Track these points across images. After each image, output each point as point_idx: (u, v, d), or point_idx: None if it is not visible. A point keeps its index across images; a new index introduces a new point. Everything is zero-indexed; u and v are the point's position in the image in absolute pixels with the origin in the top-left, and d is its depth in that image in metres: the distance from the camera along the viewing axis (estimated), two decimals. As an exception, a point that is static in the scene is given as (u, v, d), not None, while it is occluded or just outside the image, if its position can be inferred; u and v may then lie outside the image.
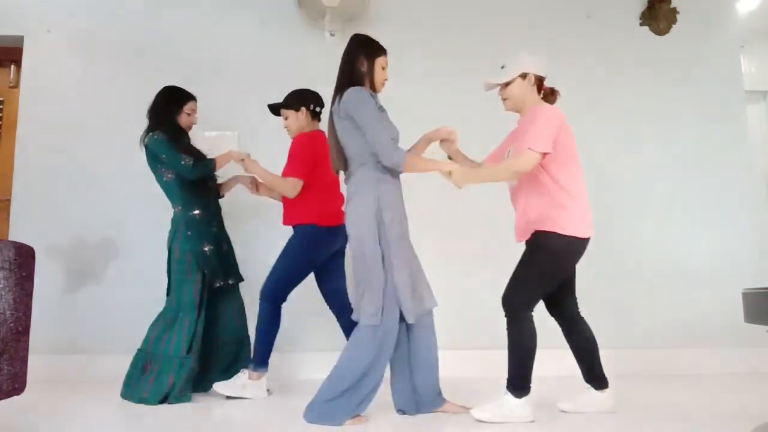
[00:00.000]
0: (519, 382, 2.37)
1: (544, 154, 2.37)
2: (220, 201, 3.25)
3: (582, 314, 2.60)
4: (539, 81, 2.53)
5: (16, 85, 3.96)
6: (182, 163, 2.93)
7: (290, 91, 3.14)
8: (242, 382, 2.93)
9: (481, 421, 2.36)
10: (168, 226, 3.06)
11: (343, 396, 2.34)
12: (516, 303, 2.39)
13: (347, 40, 2.53)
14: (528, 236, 2.51)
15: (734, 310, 2.95)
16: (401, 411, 2.51)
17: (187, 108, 3.11)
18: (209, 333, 3.05)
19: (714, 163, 3.99)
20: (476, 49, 3.94)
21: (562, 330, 2.59)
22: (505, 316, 2.42)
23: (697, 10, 4.13)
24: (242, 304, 3.19)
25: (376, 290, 2.35)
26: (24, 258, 2.02)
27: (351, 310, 3.05)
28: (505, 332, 2.43)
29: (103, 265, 3.70)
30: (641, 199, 3.94)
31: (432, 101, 3.90)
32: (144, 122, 3.11)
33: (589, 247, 3.81)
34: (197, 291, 2.94)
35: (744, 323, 2.48)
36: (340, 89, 2.47)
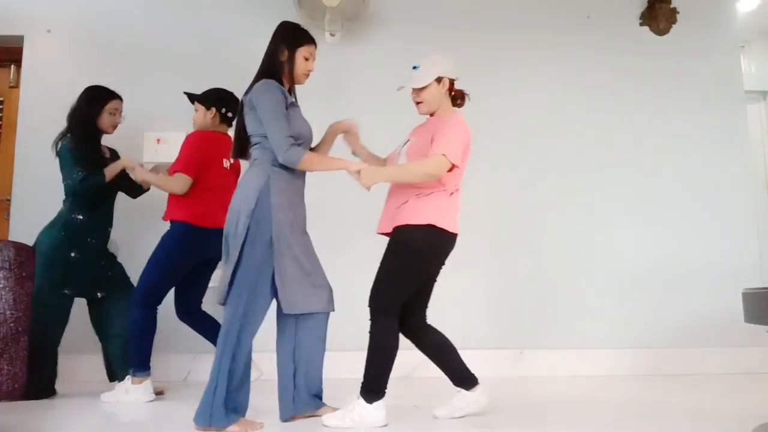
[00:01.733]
0: (374, 386, 2.27)
1: (453, 167, 2.33)
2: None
3: (428, 321, 2.49)
4: (451, 84, 2.51)
5: (16, 85, 3.96)
6: (74, 176, 2.93)
7: (212, 87, 3.11)
8: (125, 387, 2.88)
9: (330, 427, 2.25)
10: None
11: (218, 394, 2.20)
12: (378, 306, 2.31)
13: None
14: (387, 229, 2.42)
15: (734, 310, 2.95)
16: (285, 418, 2.37)
17: (109, 107, 3.06)
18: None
19: (714, 163, 3.99)
20: (476, 49, 3.94)
21: (411, 341, 2.46)
22: (370, 318, 2.32)
23: (697, 10, 4.12)
24: (120, 312, 3.06)
25: (229, 268, 2.27)
26: (24, 258, 2.03)
27: (202, 319, 3.04)
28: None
29: (103, 265, 3.70)
30: (641, 198, 3.93)
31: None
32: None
33: (589, 247, 3.86)
34: (51, 289, 2.84)
35: (744, 323, 2.48)
36: (256, 78, 2.42)
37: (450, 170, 2.34)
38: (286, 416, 2.38)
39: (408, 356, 3.71)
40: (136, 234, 3.54)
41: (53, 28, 3.89)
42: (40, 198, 3.73)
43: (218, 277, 3.58)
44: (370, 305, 2.33)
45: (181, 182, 2.88)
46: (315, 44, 2.51)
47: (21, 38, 3.86)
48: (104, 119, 3.06)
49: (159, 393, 3.00)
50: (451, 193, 2.40)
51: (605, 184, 3.94)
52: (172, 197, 2.97)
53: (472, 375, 2.45)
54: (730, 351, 3.75)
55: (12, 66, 4.02)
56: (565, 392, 3.06)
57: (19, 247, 2.08)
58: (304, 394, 2.42)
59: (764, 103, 4.91)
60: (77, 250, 2.94)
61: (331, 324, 2.49)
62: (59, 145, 3.01)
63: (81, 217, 2.97)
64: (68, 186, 3.01)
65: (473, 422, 2.38)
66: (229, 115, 3.07)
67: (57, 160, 3.04)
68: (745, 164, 4.03)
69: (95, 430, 2.36)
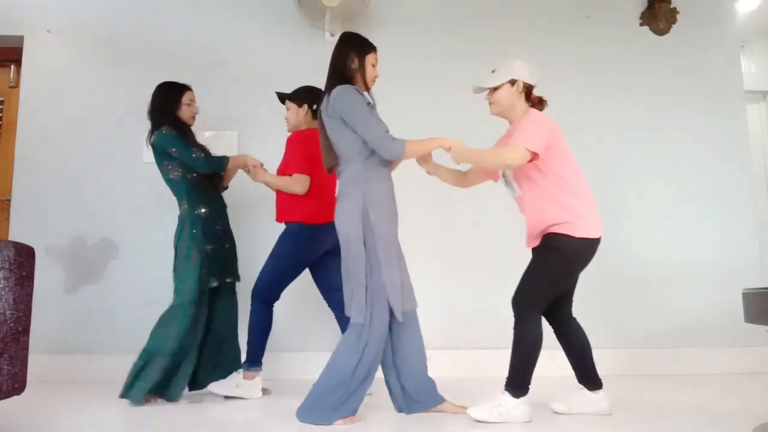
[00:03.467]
0: (518, 381, 2.38)
1: (534, 156, 2.37)
2: (225, 196, 3.23)
3: (575, 315, 2.59)
4: (528, 89, 2.54)
5: (16, 85, 3.96)
6: (193, 156, 2.93)
7: (302, 85, 3.15)
8: (236, 381, 2.95)
9: (478, 421, 2.36)
10: (168, 226, 3.06)
11: (332, 394, 2.34)
12: (525, 304, 2.40)
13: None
14: (536, 244, 2.53)
15: (734, 310, 2.95)
16: (400, 410, 2.53)
17: (185, 99, 3.09)
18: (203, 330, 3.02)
19: (714, 162, 3.99)
20: (476, 50, 3.94)
21: (554, 329, 2.59)
22: (514, 316, 2.42)
23: (697, 10, 4.12)
24: (236, 302, 3.15)
25: (360, 289, 2.37)
26: (24, 258, 2.03)
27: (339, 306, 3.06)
28: (505, 333, 2.42)
29: (103, 265, 3.70)
30: (641, 198, 3.94)
31: (430, 102, 3.90)
32: (143, 121, 3.11)
33: (589, 247, 3.85)
34: (197, 288, 2.91)
35: (744, 323, 2.48)
36: (330, 87, 2.48)
37: (531, 160, 2.39)
38: (405, 411, 2.51)
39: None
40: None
41: (53, 28, 3.89)
42: (40, 198, 3.74)
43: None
44: (514, 304, 2.42)
45: (302, 182, 2.96)
46: (377, 51, 2.59)
47: (21, 38, 3.86)
48: (183, 111, 3.08)
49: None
50: (586, 194, 2.48)
51: (604, 183, 3.94)
52: (283, 198, 3.03)
53: (599, 378, 2.55)
54: (730, 351, 3.75)
55: (12, 66, 4.02)
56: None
57: (19, 247, 2.08)
58: (419, 393, 2.50)
59: (764, 103, 4.91)
60: (211, 241, 2.98)
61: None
62: (156, 137, 2.97)
63: (204, 210, 2.99)
64: (177, 178, 2.99)
65: (473, 422, 2.38)
66: None
67: (151, 152, 3.02)
68: (745, 164, 4.03)
69: (95, 431, 2.37)
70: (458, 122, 3.65)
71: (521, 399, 2.37)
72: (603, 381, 2.58)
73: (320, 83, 2.99)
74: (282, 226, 3.08)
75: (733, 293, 2.97)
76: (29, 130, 3.80)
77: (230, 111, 3.81)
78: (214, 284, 2.99)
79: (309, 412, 2.36)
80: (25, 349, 2.09)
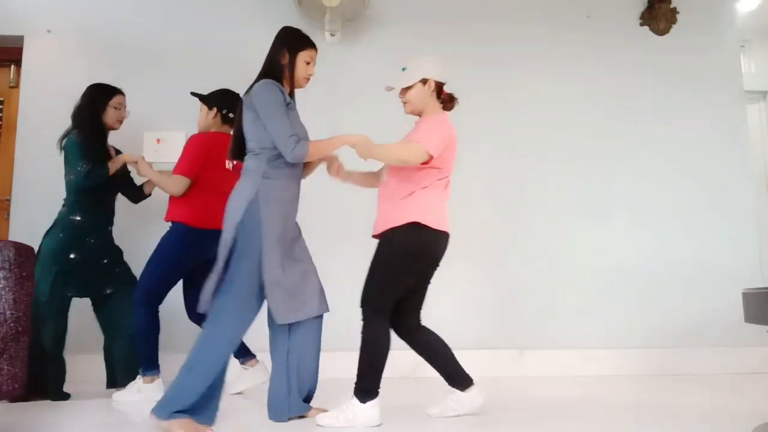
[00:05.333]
0: (368, 386, 2.29)
1: (430, 158, 2.35)
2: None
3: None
4: (439, 87, 2.52)
5: (16, 85, 3.96)
6: (78, 169, 2.92)
7: (216, 87, 3.13)
8: (137, 386, 2.94)
9: (325, 427, 2.27)
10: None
11: (187, 391, 2.18)
12: (369, 305, 2.32)
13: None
14: (378, 232, 2.44)
15: (734, 310, 2.95)
16: (279, 417, 2.37)
17: (113, 102, 3.08)
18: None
19: (714, 163, 3.99)
20: (476, 50, 3.94)
21: (408, 342, 2.48)
22: (362, 318, 2.34)
23: (697, 10, 4.13)
24: (128, 307, 3.03)
25: (214, 278, 2.27)
26: (24, 258, 2.03)
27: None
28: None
29: (103, 265, 3.69)
30: (641, 198, 3.94)
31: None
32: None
33: (589, 247, 3.86)
34: (49, 292, 2.87)
35: (744, 323, 2.48)
36: (256, 81, 2.43)
37: (426, 162, 2.35)
38: (280, 419, 2.37)
39: (408, 356, 3.70)
40: (141, 235, 3.53)
41: (53, 28, 3.89)
42: (40, 198, 3.74)
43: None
44: (361, 305, 2.34)
45: (178, 183, 2.93)
46: (316, 49, 2.52)
47: (21, 38, 3.86)
48: (109, 114, 3.07)
49: None
50: (435, 192, 2.41)
51: (605, 183, 3.95)
52: (173, 198, 3.01)
53: (467, 376, 2.46)
54: (730, 351, 3.75)
55: (12, 66, 4.02)
56: (565, 392, 3.06)
57: (19, 247, 2.08)
58: (297, 397, 2.42)
59: (764, 103, 4.91)
60: (76, 251, 2.95)
61: (325, 324, 2.50)
62: (65, 142, 3.01)
63: (79, 218, 2.98)
64: (71, 181, 3.00)
65: (473, 422, 2.38)
66: (231, 115, 3.07)
67: (62, 157, 3.03)
68: (745, 164, 4.03)
69: (94, 430, 2.36)
70: (457, 122, 3.65)
71: (370, 403, 2.27)
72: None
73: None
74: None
75: (733, 293, 2.97)
76: (29, 130, 3.80)
77: (230, 111, 3.80)
78: (69, 294, 2.94)
79: (163, 408, 2.15)
80: (25, 349, 2.09)
